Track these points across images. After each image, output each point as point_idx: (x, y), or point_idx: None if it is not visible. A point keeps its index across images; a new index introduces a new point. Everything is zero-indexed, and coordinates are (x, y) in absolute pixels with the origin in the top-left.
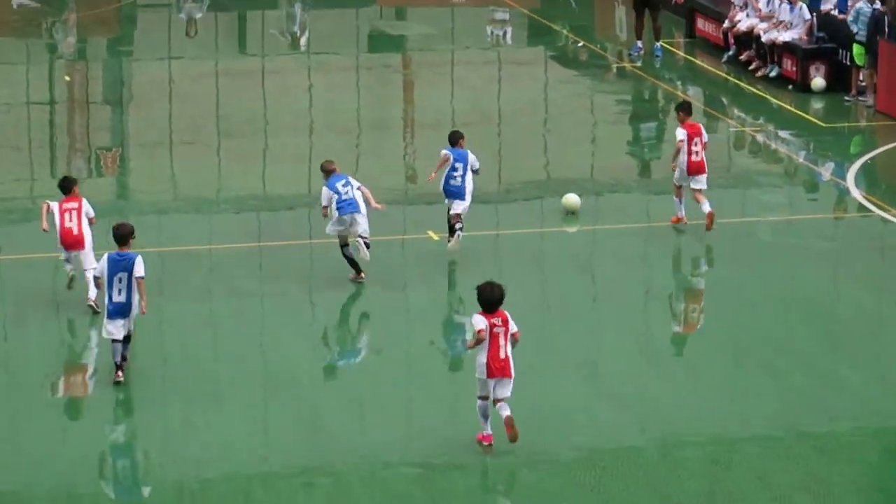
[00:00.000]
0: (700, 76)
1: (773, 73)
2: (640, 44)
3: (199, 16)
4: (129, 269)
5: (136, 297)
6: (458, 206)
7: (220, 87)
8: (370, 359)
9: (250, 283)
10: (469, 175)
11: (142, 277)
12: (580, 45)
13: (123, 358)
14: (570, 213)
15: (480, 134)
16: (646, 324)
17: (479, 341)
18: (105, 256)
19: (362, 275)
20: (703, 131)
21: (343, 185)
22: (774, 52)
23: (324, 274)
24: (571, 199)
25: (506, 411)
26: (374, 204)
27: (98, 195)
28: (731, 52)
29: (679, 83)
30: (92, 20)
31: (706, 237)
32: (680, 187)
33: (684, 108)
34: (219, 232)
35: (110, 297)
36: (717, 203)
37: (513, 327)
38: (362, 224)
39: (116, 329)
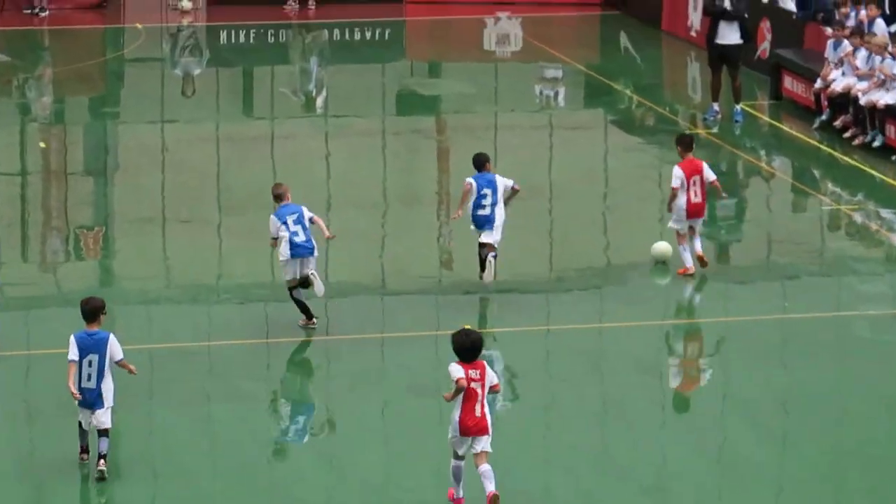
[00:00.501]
0: (787, 144)
1: (876, 143)
2: (716, 106)
3: (197, 72)
4: (101, 351)
5: (106, 385)
6: (489, 237)
7: (222, 155)
8: (395, 478)
9: (255, 385)
10: (501, 204)
11: (122, 360)
12: (646, 107)
13: (102, 455)
14: (661, 263)
15: (528, 210)
16: (723, 436)
17: (458, 391)
18: (72, 338)
19: (314, 320)
20: (706, 169)
21: (294, 222)
22: (875, 116)
23: (342, 375)
24: (661, 247)
25: (490, 486)
26: (327, 234)
27: (77, 282)
28: (823, 117)
29: (763, 153)
30: (72, 76)
31: (794, 334)
32: (684, 235)
33: (683, 143)
34: (219, 326)
35: (78, 383)
36: (808, 293)
37: (492, 379)
38: (312, 263)
39: (84, 417)
